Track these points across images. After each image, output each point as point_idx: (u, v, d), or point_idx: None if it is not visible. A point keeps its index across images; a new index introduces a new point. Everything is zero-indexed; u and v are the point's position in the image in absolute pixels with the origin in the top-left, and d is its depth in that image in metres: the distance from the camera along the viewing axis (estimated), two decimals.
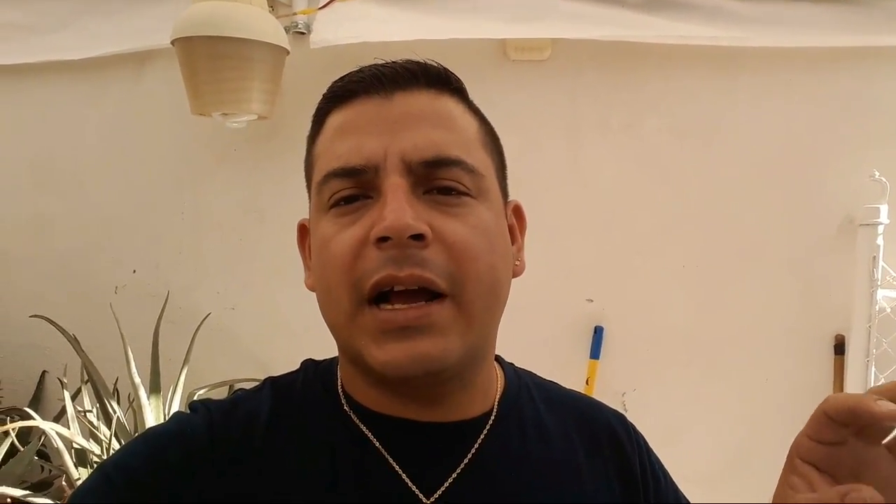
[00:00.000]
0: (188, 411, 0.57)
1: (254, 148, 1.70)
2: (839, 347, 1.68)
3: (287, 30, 1.55)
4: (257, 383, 0.61)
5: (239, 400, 0.57)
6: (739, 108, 1.66)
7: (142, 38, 1.64)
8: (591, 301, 1.72)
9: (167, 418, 0.58)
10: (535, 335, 1.70)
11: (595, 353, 1.69)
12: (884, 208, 1.56)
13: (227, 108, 1.45)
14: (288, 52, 1.49)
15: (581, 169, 1.69)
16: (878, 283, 1.57)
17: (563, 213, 1.69)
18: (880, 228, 1.57)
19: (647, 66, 1.64)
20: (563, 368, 1.70)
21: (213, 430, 0.53)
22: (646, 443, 0.67)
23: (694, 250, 1.69)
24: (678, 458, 1.62)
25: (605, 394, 1.69)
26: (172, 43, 1.41)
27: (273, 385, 0.59)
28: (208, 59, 1.39)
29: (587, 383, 1.68)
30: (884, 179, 1.56)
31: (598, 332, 1.70)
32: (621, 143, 1.68)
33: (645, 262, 1.70)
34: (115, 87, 1.73)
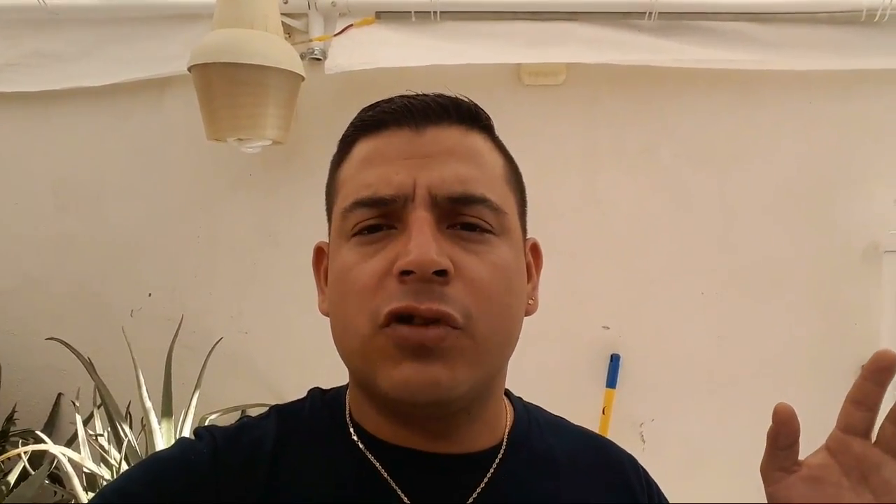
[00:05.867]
0: (193, 437, 0.56)
1: (269, 173, 1.72)
2: None
3: (303, 56, 1.57)
4: (265, 410, 0.60)
5: (244, 427, 0.57)
6: (759, 133, 1.63)
7: (162, 65, 1.67)
8: (608, 328, 1.69)
9: (172, 444, 0.58)
10: (550, 363, 1.67)
11: (612, 381, 1.65)
12: None
13: (242, 134, 1.47)
14: (303, 79, 1.50)
15: (597, 194, 1.67)
16: None
17: (579, 239, 1.67)
18: None
19: (663, 90, 1.62)
20: (579, 397, 1.66)
21: (217, 457, 0.53)
22: (657, 485, 0.66)
23: (713, 277, 1.66)
24: (699, 491, 1.58)
25: (623, 424, 1.65)
26: (189, 69, 1.43)
27: (279, 413, 0.59)
28: (224, 86, 1.41)
29: (603, 413, 1.64)
30: None
31: (614, 361, 1.66)
32: (638, 168, 1.66)
33: (663, 289, 1.67)
34: (136, 113, 1.76)
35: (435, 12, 1.55)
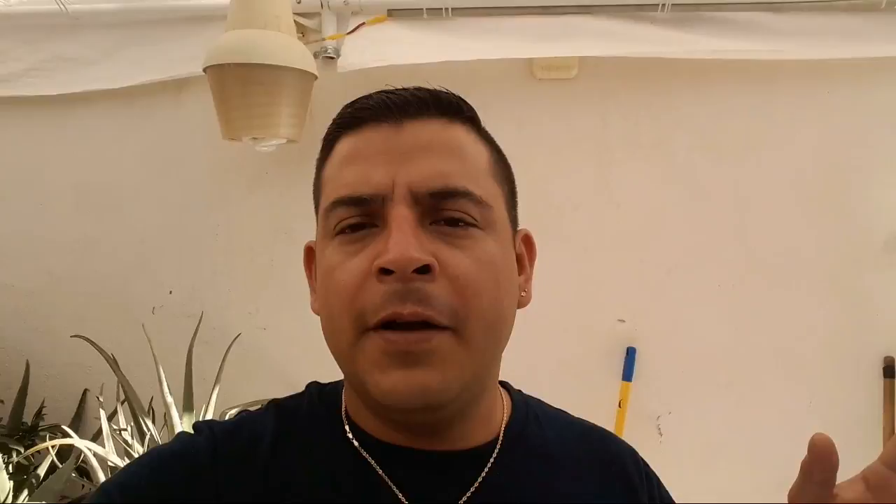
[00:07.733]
0: (192, 432, 0.57)
1: (284, 171, 1.74)
2: (888, 370, 1.60)
3: (316, 55, 1.58)
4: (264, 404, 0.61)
5: (243, 422, 0.57)
6: (776, 123, 1.61)
7: (179, 66, 1.69)
8: (624, 321, 1.68)
9: (172, 439, 0.59)
10: (565, 356, 1.67)
11: (628, 374, 1.65)
12: None
13: (256, 133, 1.48)
14: (316, 77, 1.52)
15: (611, 187, 1.66)
16: None
17: (594, 232, 1.67)
18: None
19: (677, 82, 1.61)
20: (595, 391, 1.66)
21: (216, 451, 0.53)
22: (657, 478, 0.65)
23: (730, 269, 1.65)
24: (716, 485, 1.58)
25: (639, 417, 1.65)
26: (205, 70, 1.45)
27: (277, 408, 0.59)
28: (238, 86, 1.43)
29: (620, 406, 1.64)
30: None
31: (630, 354, 1.66)
32: (652, 161, 1.65)
33: (678, 282, 1.66)
34: (153, 114, 1.79)
35: (446, 9, 1.55)
